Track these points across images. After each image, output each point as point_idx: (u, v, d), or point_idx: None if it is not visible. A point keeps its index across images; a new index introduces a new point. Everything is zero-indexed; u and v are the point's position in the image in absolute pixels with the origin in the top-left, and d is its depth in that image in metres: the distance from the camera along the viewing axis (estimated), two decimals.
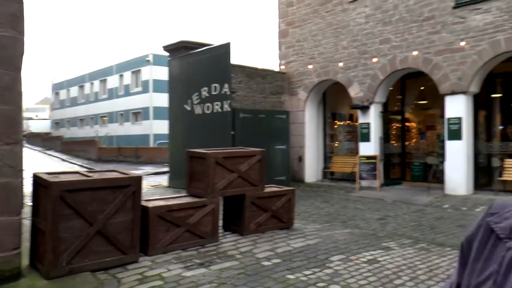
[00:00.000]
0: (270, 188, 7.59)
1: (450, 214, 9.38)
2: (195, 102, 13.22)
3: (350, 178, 14.11)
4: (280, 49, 15.92)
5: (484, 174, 12.19)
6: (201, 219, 6.31)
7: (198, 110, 13.15)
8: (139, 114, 36.03)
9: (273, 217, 7.26)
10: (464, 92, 11.21)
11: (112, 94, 39.14)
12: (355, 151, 15.23)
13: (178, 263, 5.59)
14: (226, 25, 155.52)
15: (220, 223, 6.98)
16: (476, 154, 11.82)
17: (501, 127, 13.16)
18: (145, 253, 5.77)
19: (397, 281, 5.03)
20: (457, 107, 11.35)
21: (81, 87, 45.00)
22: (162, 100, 29.05)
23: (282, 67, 15.65)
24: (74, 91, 46.66)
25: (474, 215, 9.16)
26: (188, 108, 13.49)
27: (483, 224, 0.96)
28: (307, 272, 5.31)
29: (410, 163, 14.74)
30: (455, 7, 11.36)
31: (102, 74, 40.69)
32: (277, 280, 5.01)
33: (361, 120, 13.62)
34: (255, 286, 4.83)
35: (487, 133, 12.55)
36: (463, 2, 11.23)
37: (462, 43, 11.10)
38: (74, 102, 46.49)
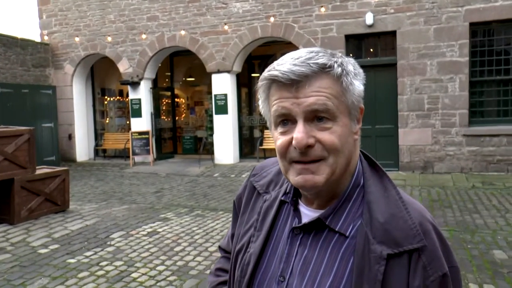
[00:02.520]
0: (42, 170, 7.10)
1: (220, 181, 10.30)
2: None
3: (123, 154, 14.06)
4: (41, 17, 14.53)
5: (247, 144, 13.72)
6: None
7: None
8: None
9: (47, 200, 6.84)
10: (228, 71, 12.25)
11: None
12: (127, 127, 15.19)
13: None
14: None
15: None
16: (241, 126, 13.17)
17: None
18: None
19: (177, 248, 5.41)
20: (223, 85, 12.36)
21: None
22: None
23: (45, 37, 14.37)
24: None
25: (241, 180, 10.28)
26: None
27: (248, 184, 1.22)
28: (88, 253, 5.26)
29: (181, 137, 15.47)
30: None
31: None
32: (57, 267, 4.84)
33: (132, 96, 13.60)
34: (33, 276, 4.59)
35: (249, 107, 14.05)
36: None
37: (226, 27, 12.06)
38: None
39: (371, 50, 11.00)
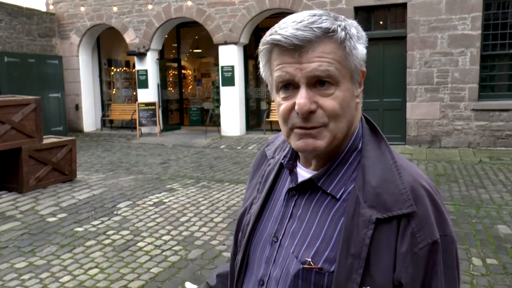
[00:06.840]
0: (49, 139, 7.14)
1: (226, 153, 10.32)
2: None
3: (130, 125, 14.09)
4: None
5: (254, 116, 13.69)
6: None
7: None
8: None
9: (55, 170, 6.90)
10: (235, 43, 12.11)
11: None
12: (133, 98, 15.17)
13: None
14: None
15: None
16: (247, 98, 13.10)
17: None
18: None
19: (183, 218, 5.47)
20: (230, 56, 12.24)
21: None
22: None
23: (51, 7, 14.24)
24: None
25: (247, 152, 10.30)
26: None
27: (261, 152, 1.26)
28: (95, 222, 5.33)
29: (188, 109, 15.48)
30: None
31: None
32: (65, 235, 4.92)
33: (138, 67, 13.54)
34: (42, 244, 4.66)
35: (256, 79, 13.96)
36: None
37: None
38: None
39: (381, 22, 10.80)
